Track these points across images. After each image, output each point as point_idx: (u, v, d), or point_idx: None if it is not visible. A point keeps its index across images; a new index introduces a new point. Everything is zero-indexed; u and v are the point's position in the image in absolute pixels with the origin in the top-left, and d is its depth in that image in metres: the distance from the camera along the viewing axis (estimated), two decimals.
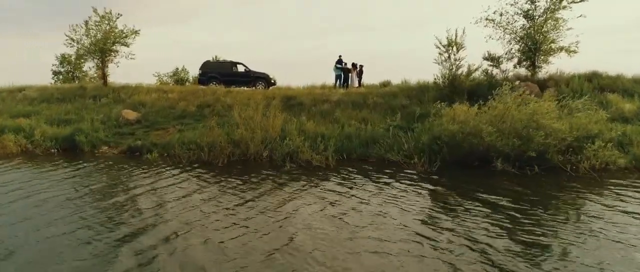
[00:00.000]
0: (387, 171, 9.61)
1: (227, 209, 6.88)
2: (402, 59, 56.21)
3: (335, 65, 20.42)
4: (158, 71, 33.64)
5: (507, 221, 6.11)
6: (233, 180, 8.98)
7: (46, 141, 13.61)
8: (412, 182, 8.51)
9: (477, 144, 9.05)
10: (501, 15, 14.59)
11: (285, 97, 15.45)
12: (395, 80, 20.14)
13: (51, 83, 33.40)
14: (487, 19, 14.75)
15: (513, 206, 6.80)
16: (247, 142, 11.06)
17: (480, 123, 9.05)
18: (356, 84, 20.40)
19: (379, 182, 8.54)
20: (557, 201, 7.18)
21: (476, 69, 13.61)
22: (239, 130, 11.16)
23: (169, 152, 11.98)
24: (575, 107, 9.65)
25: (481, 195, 7.42)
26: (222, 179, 9.12)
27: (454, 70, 13.29)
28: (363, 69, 21.27)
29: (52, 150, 13.53)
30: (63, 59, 31.18)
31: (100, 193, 8.01)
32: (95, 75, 26.11)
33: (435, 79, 14.09)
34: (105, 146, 13.72)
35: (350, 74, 20.45)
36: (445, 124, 9.86)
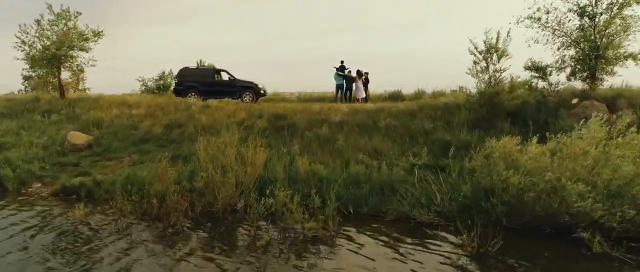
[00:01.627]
0: (415, 243, 6.41)
1: None
2: (402, 59, 53.37)
3: (336, 73, 17.23)
4: (142, 76, 30.28)
5: None
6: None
7: None
8: None
9: (558, 209, 5.85)
10: (548, 12, 11.41)
11: (273, 117, 12.26)
12: (397, 79, 17.10)
13: (20, 90, 30.26)
14: (530, 18, 11.56)
15: None
16: (214, 190, 7.89)
17: (563, 176, 5.85)
18: (362, 94, 17.22)
19: None
20: None
21: (525, 84, 10.39)
22: (202, 173, 7.98)
23: (108, 198, 8.74)
24: None
25: None
26: (153, 261, 5.92)
27: (493, 84, 10.09)
28: (368, 77, 18.12)
29: None
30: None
31: None
32: (70, 80, 23.05)
33: (468, 95, 10.89)
34: (39, 183, 10.55)
35: (353, 83, 17.27)
36: (499, 169, 6.64)
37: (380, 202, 7.75)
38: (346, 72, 17.21)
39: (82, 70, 21.54)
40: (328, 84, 18.04)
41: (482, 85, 10.26)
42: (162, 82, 29.99)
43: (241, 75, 17.15)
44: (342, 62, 17.25)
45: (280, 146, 10.23)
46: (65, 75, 20.59)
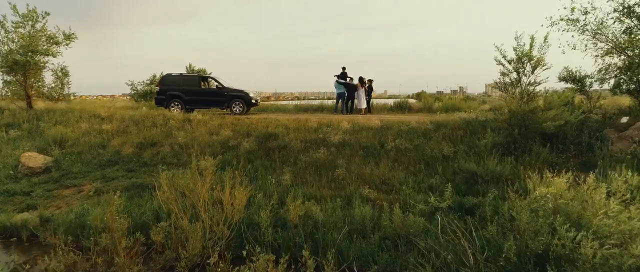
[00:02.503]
0: None
1: None
2: (404, 58, 51.80)
3: (337, 81, 15.51)
4: (131, 80, 28.54)
5: None
6: None
7: None
8: None
9: None
10: (586, 13, 9.65)
11: (263, 137, 10.48)
12: (398, 79, 15.45)
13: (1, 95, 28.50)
14: (564, 19, 9.80)
15: None
16: (178, 243, 6.13)
17: None
18: (364, 104, 15.49)
19: None
20: None
21: (564, 100, 8.58)
22: (162, 223, 6.22)
23: (57, 242, 6.94)
24: None
25: None
26: None
27: (526, 100, 8.31)
28: (372, 85, 16.37)
29: None
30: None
31: None
32: (54, 85, 21.13)
33: (496, 113, 9.11)
34: None
35: (356, 92, 15.55)
36: (559, 230, 4.82)
37: (394, 260, 5.96)
38: (348, 79, 15.49)
39: (66, 75, 19.73)
40: (328, 85, 16.39)
41: (514, 102, 8.44)
42: (151, 86, 28.31)
43: (243, 75, 15.72)
44: (343, 69, 15.51)
45: (268, 175, 8.47)
46: (49, 79, 18.84)
